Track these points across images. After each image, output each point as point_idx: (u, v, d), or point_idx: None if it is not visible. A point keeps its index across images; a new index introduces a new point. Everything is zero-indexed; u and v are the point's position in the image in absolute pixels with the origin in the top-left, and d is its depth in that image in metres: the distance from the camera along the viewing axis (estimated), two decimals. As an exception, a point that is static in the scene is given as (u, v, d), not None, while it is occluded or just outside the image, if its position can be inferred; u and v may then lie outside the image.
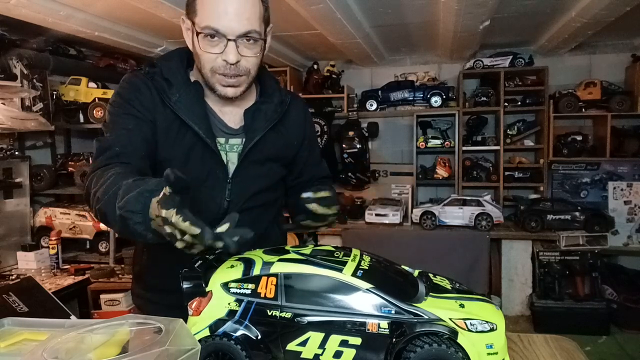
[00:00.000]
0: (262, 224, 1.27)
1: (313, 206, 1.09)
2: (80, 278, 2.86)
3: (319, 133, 4.32)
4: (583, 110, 3.98)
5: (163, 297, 1.20)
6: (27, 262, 3.02)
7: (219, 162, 1.15)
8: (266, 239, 1.26)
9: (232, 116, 1.20)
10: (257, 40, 1.07)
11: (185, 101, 1.11)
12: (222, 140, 1.17)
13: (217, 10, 1.01)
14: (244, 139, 1.18)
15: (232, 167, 1.18)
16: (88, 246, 3.41)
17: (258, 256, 0.88)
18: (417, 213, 3.93)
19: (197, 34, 1.03)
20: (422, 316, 0.76)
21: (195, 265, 0.89)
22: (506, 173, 4.17)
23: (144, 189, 0.83)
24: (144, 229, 0.82)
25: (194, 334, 0.82)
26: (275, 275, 0.82)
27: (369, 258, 0.90)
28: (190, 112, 1.11)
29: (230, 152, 1.18)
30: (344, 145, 4.25)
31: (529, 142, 4.22)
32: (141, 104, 1.10)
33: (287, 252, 0.89)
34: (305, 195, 1.08)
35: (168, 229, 0.75)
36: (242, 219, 1.14)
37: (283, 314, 0.80)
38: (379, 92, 4.38)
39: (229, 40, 1.03)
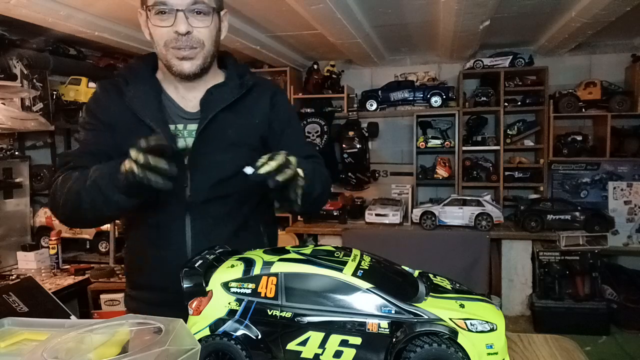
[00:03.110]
0: (236, 217, 1.22)
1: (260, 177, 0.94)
2: (80, 278, 2.86)
3: (318, 133, 4.32)
4: (583, 110, 3.98)
5: (148, 294, 1.24)
6: (27, 262, 3.02)
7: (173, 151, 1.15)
8: (243, 234, 1.23)
9: (193, 102, 1.20)
10: (207, 12, 1.10)
11: (139, 96, 1.16)
12: (180, 126, 1.18)
13: None
14: None
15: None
16: (88, 246, 3.41)
17: (258, 256, 0.88)
18: (417, 213, 3.93)
19: (150, 9, 1.07)
20: (422, 316, 0.76)
21: (196, 265, 0.89)
22: (506, 173, 4.17)
23: (109, 164, 1.00)
24: (112, 188, 0.98)
25: (194, 334, 0.82)
26: (276, 274, 0.82)
27: (369, 258, 0.90)
28: (142, 105, 1.15)
29: (189, 138, 1.17)
30: (344, 145, 4.26)
31: (529, 142, 4.22)
32: (99, 114, 1.18)
33: (288, 252, 0.89)
34: (246, 170, 0.95)
35: (135, 166, 0.90)
36: (211, 212, 1.18)
37: (283, 314, 0.80)
38: (379, 92, 4.38)
39: (178, 10, 1.06)
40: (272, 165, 0.92)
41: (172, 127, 1.17)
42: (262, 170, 0.91)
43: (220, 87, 1.20)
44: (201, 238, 1.16)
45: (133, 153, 0.91)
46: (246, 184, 1.20)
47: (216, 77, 1.24)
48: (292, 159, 0.97)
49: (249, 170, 0.94)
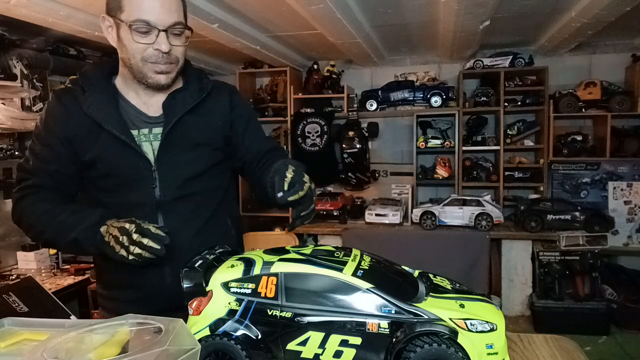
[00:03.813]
0: (205, 212, 1.29)
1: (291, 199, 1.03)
2: (80, 278, 2.86)
3: (318, 133, 4.32)
4: (583, 110, 3.98)
5: (119, 292, 1.29)
6: (27, 262, 3.02)
7: (136, 152, 1.18)
8: (211, 227, 1.29)
9: (155, 107, 1.24)
10: (182, 32, 1.16)
11: (97, 103, 1.18)
12: (145, 130, 1.23)
13: (146, 4, 1.09)
14: None
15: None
16: (88, 246, 3.41)
17: (258, 256, 0.88)
18: (417, 213, 3.93)
19: (129, 26, 1.10)
20: (422, 316, 0.76)
21: (196, 265, 0.89)
22: (506, 173, 4.16)
23: (89, 223, 1.09)
24: (94, 248, 1.08)
25: (194, 334, 0.82)
26: (276, 274, 0.82)
27: (369, 258, 0.90)
28: (101, 112, 1.17)
29: (155, 141, 1.22)
30: (344, 145, 4.25)
31: (529, 142, 4.22)
32: (55, 128, 1.20)
33: (288, 252, 0.89)
34: (279, 195, 1.02)
35: (120, 245, 1.01)
36: (181, 209, 1.23)
37: (283, 314, 0.80)
38: (379, 92, 4.38)
39: (160, 30, 1.11)
40: (300, 194, 1.01)
41: (135, 132, 1.22)
42: (291, 199, 1.00)
43: (182, 91, 1.25)
44: (174, 234, 1.19)
45: (124, 239, 1.00)
46: (210, 182, 1.29)
47: (176, 82, 1.27)
48: (308, 181, 1.05)
49: (279, 194, 1.01)
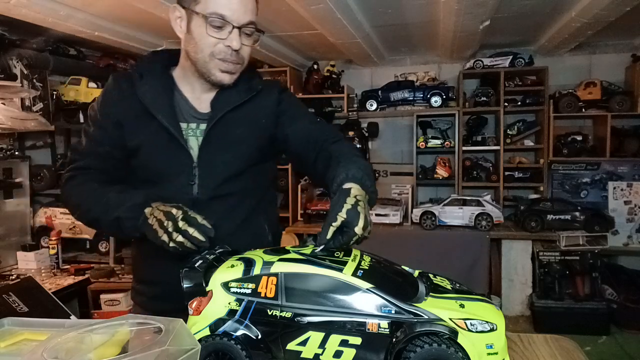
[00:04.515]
0: (240, 213, 1.26)
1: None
2: (80, 278, 2.86)
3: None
4: (583, 110, 3.98)
5: (146, 287, 1.28)
6: (27, 262, 3.02)
7: (181, 146, 1.17)
8: (246, 229, 1.26)
9: (206, 103, 1.23)
10: (254, 33, 1.16)
11: (152, 91, 1.18)
12: (193, 125, 1.21)
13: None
14: None
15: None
16: (88, 246, 3.41)
17: (258, 256, 0.88)
18: (417, 213, 3.93)
19: (205, 17, 1.09)
20: (422, 316, 0.76)
21: (196, 265, 0.89)
22: (506, 173, 4.16)
23: (134, 202, 1.07)
24: (134, 230, 1.06)
25: (194, 334, 0.82)
26: (276, 274, 0.82)
27: (369, 258, 0.90)
28: (154, 100, 1.17)
29: (200, 137, 1.21)
30: (344, 145, 4.25)
31: (529, 142, 4.22)
32: (108, 110, 1.20)
33: (288, 252, 0.89)
34: (319, 245, 0.90)
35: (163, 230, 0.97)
36: (217, 208, 1.20)
37: (283, 314, 0.80)
38: (379, 92, 4.38)
39: (234, 27, 1.10)
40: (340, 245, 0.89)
41: (184, 125, 1.20)
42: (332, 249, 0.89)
43: (229, 89, 1.23)
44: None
45: (169, 226, 0.97)
46: (248, 183, 1.25)
47: None
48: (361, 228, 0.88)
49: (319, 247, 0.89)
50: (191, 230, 0.95)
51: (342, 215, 0.87)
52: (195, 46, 1.14)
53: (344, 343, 0.77)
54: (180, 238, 0.95)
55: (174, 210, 0.99)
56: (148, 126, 1.17)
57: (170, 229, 0.96)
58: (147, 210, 1.03)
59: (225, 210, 1.22)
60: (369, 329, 0.77)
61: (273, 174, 1.41)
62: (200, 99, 1.23)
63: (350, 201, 0.90)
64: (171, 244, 0.96)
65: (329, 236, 0.87)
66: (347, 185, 0.97)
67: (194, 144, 1.20)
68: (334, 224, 0.87)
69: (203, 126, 1.21)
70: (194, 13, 1.10)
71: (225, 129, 1.20)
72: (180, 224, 0.96)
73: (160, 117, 1.15)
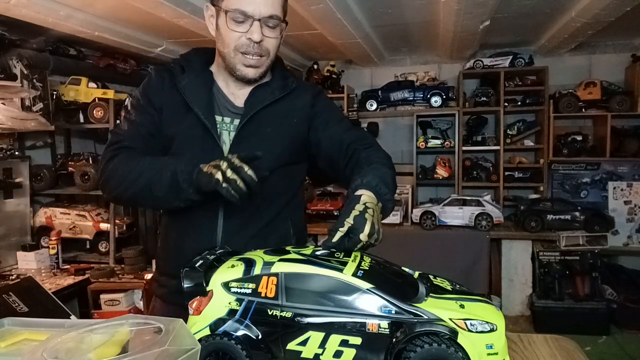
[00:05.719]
0: (266, 214, 1.25)
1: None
2: (80, 278, 2.86)
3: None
4: (583, 110, 3.98)
5: (167, 280, 1.29)
6: (27, 262, 3.02)
7: (213, 139, 1.19)
8: (271, 232, 1.25)
9: (241, 99, 1.26)
10: (277, 25, 1.17)
11: (192, 84, 1.22)
12: (227, 119, 1.24)
13: None
14: None
15: None
16: (88, 246, 3.41)
17: (259, 256, 0.88)
18: (417, 213, 3.93)
19: (226, 12, 1.13)
20: (422, 316, 0.76)
21: (196, 265, 0.89)
22: (506, 173, 4.17)
23: (187, 159, 1.09)
24: (189, 185, 1.05)
25: (194, 333, 0.82)
26: (276, 275, 0.82)
27: (370, 259, 0.90)
28: (193, 93, 1.21)
29: (233, 132, 1.23)
30: (344, 145, 4.25)
31: (529, 142, 4.22)
32: (151, 96, 1.24)
33: (288, 252, 0.89)
34: (322, 251, 0.90)
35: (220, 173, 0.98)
36: (243, 206, 1.17)
37: (283, 314, 0.80)
38: (379, 92, 4.38)
39: (255, 20, 1.13)
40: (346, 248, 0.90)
41: (219, 118, 1.23)
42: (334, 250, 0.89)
43: (264, 86, 1.25)
44: (230, 234, 1.20)
45: (224, 165, 0.99)
46: (277, 185, 1.24)
47: (265, 77, 1.28)
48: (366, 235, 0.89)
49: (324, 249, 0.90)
50: (246, 168, 0.97)
51: (349, 221, 0.90)
52: (222, 42, 1.18)
53: (344, 343, 0.77)
54: (234, 175, 0.97)
55: (229, 155, 1.02)
56: (185, 118, 1.20)
57: (224, 168, 0.98)
58: (202, 165, 1.05)
59: (251, 210, 1.22)
60: (369, 329, 0.77)
61: (302, 177, 1.40)
62: (235, 94, 1.26)
63: (358, 208, 0.93)
64: (224, 184, 0.97)
65: (334, 240, 0.89)
66: (359, 192, 0.99)
67: (226, 139, 1.22)
68: (341, 229, 0.90)
69: (237, 122, 1.23)
70: (220, 10, 1.15)
71: (258, 126, 1.22)
72: (236, 161, 0.99)
73: (197, 110, 1.19)
